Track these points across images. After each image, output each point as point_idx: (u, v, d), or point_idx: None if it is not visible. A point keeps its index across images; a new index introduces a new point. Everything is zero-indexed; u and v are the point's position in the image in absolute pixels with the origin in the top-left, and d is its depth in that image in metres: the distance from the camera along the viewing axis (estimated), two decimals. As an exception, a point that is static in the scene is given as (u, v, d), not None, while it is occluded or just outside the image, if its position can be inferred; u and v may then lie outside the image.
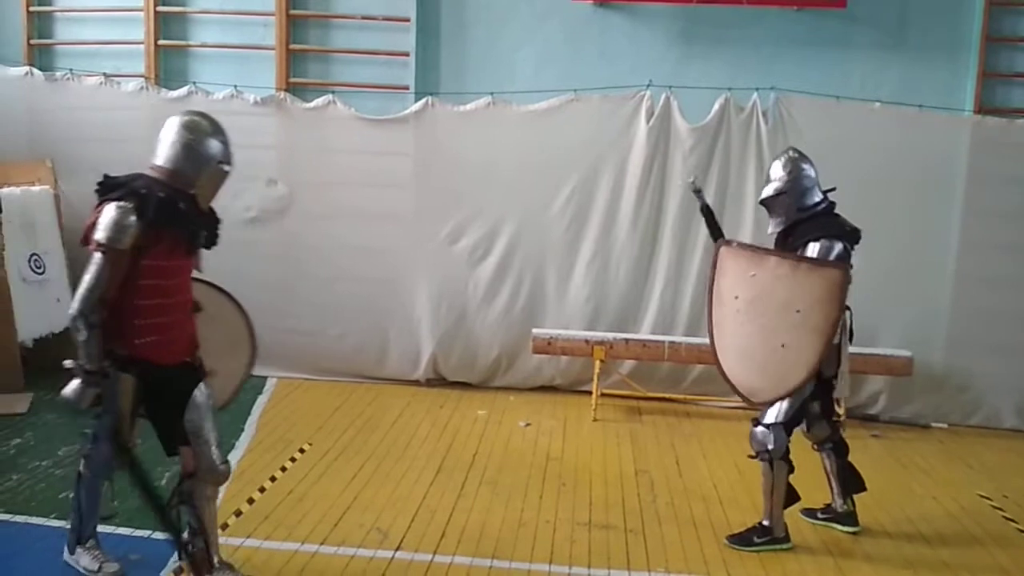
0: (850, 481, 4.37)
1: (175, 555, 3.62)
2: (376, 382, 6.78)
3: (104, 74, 6.74)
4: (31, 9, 7.01)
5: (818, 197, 4.22)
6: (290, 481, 4.79)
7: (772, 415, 4.07)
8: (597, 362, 6.27)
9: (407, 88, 6.77)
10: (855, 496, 4.39)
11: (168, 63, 7.08)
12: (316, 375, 6.79)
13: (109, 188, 3.27)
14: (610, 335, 6.35)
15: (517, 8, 6.73)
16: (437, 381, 6.84)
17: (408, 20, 6.75)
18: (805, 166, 4.24)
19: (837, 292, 3.75)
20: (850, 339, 4.19)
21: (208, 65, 7.05)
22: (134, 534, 3.97)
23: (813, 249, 3.98)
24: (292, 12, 6.87)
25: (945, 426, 6.41)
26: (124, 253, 3.16)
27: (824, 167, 6.13)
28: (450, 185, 6.60)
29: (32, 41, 7.03)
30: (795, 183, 4.18)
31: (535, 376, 6.77)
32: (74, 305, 3.14)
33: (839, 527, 4.39)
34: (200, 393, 3.45)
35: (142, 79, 6.83)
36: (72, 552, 3.61)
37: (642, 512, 4.57)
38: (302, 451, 5.26)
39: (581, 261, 6.57)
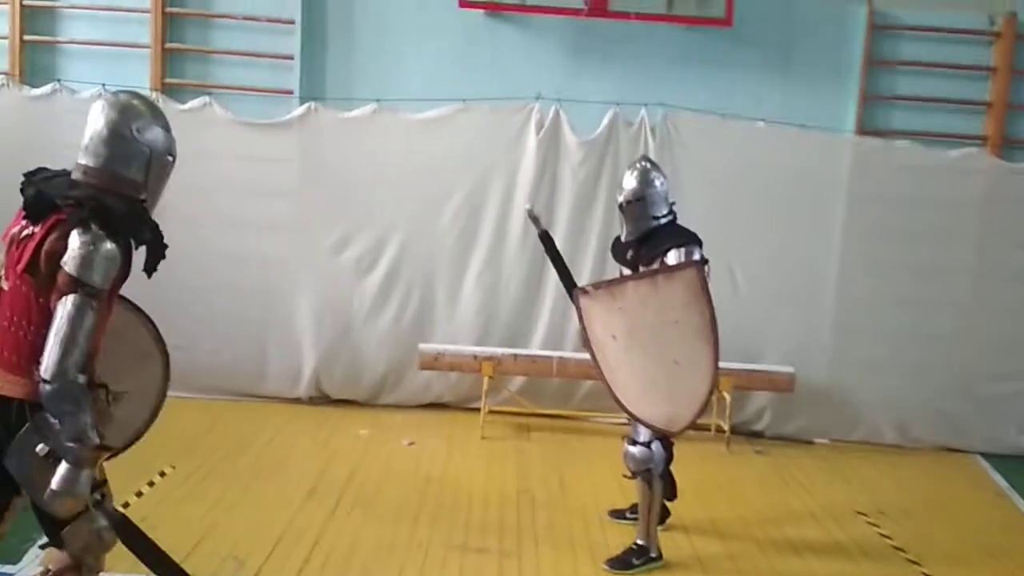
0: (667, 486, 4.30)
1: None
2: (255, 400, 6.45)
3: (-41, 70, 6.26)
4: None
5: (666, 208, 4.24)
6: (144, 507, 4.43)
7: (646, 433, 3.99)
8: (486, 378, 6.11)
9: (291, 92, 6.51)
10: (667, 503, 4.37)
11: (35, 59, 6.63)
12: (189, 393, 6.32)
13: (48, 202, 2.56)
14: (499, 350, 6.22)
15: (406, 14, 6.55)
16: (320, 399, 6.56)
17: (293, 22, 6.49)
18: (656, 176, 4.25)
19: (699, 289, 3.73)
20: None
21: (79, 63, 6.63)
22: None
23: (675, 256, 3.97)
24: (168, 9, 6.53)
25: (827, 441, 6.50)
26: (105, 293, 2.52)
27: (710, 184, 6.31)
28: (336, 193, 6.36)
29: None
30: (651, 191, 4.20)
31: (423, 393, 6.56)
32: (53, 369, 2.40)
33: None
34: None
35: (2, 75, 6.36)
36: None
37: (520, 534, 4.43)
38: (163, 475, 4.91)
39: (471, 274, 6.42)
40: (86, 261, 2.45)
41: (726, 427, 6.17)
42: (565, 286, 4.20)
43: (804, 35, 6.50)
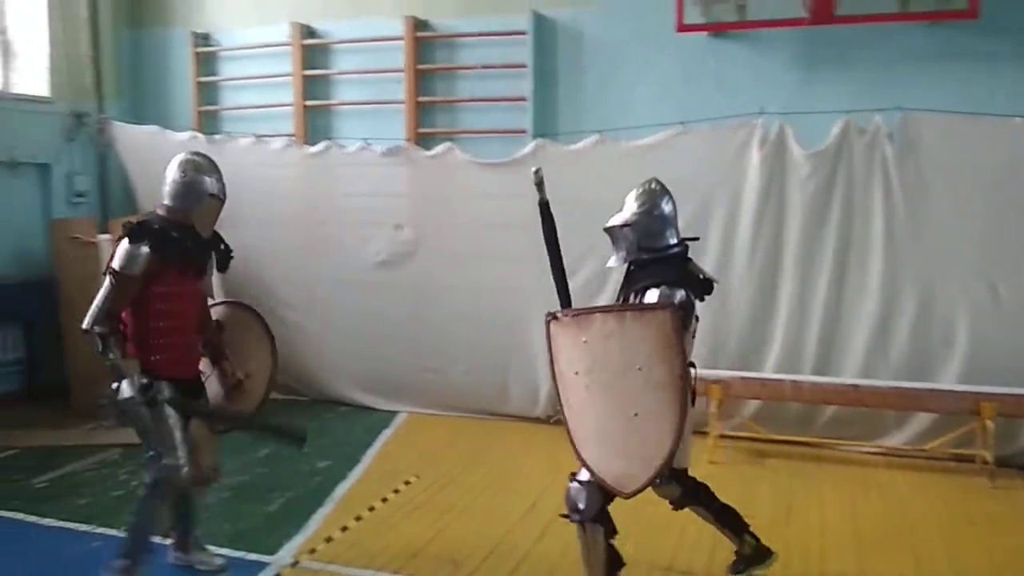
0: (734, 520, 3.92)
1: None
2: (498, 418, 6.92)
3: (255, 135, 7.45)
4: (199, 80, 7.94)
5: (671, 240, 3.73)
6: (387, 511, 5.00)
7: (587, 472, 3.47)
8: (715, 402, 6.04)
9: (524, 131, 6.95)
10: (750, 528, 3.98)
11: (314, 122, 7.73)
12: (442, 410, 7.04)
13: (128, 228, 3.80)
14: (726, 373, 6.10)
15: (631, 46, 6.76)
16: (557, 418, 6.83)
17: (525, 66, 6.96)
18: (663, 202, 3.74)
19: (673, 337, 3.18)
20: (692, 401, 3.39)
21: (348, 121, 7.64)
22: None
23: (652, 296, 3.48)
24: (419, 67, 7.31)
25: None
26: (132, 278, 3.65)
27: (961, 189, 5.79)
28: (563, 223, 6.50)
29: (200, 108, 7.95)
30: (644, 218, 3.72)
31: (656, 415, 6.61)
32: (85, 321, 3.65)
33: (758, 570, 3.92)
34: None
35: (288, 137, 7.49)
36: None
37: (729, 560, 4.31)
38: (407, 483, 5.46)
39: (696, 297, 6.38)
40: (117, 256, 3.68)
41: (990, 458, 5.53)
42: (556, 284, 3.72)
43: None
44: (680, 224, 6.27)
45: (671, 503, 3.87)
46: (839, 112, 6.00)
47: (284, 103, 7.69)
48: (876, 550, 4.47)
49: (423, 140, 7.28)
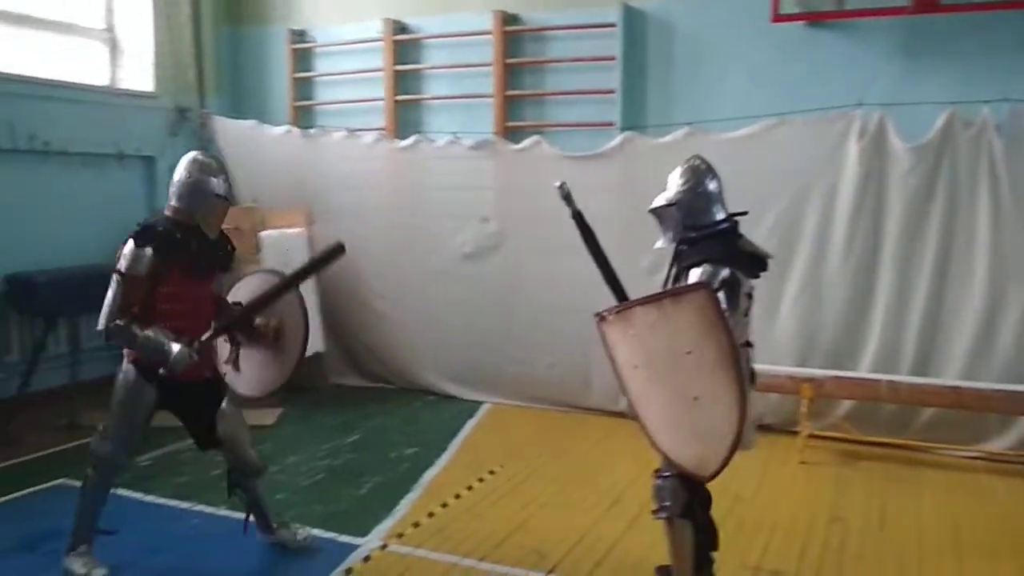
0: (707, 541, 3.70)
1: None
2: (581, 411, 6.91)
3: (347, 129, 7.61)
4: (295, 76, 8.16)
5: (718, 216, 3.61)
6: (472, 499, 5.06)
7: (666, 460, 3.42)
8: (806, 401, 5.89)
9: (612, 124, 6.91)
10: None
11: (404, 116, 7.83)
12: (526, 402, 7.07)
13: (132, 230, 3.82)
14: (819, 372, 5.94)
15: (723, 37, 6.62)
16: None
17: (614, 59, 6.91)
18: (707, 179, 3.65)
19: (713, 315, 3.09)
20: (752, 381, 3.46)
21: (437, 115, 7.70)
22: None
23: (695, 275, 3.40)
24: (508, 61, 7.33)
25: None
26: (137, 279, 3.66)
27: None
28: (649, 216, 6.59)
29: (296, 103, 8.17)
30: (689, 196, 3.64)
31: (743, 413, 6.50)
32: (99, 322, 3.70)
33: None
34: (227, 406, 3.99)
35: (379, 131, 7.63)
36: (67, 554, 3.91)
37: (821, 561, 4.25)
38: (492, 473, 5.51)
39: (788, 293, 6.22)
40: (122, 257, 3.71)
41: None
42: (608, 284, 3.69)
43: None
44: (771, 219, 6.27)
45: (656, 508, 3.70)
46: (943, 103, 5.77)
47: (376, 98, 7.81)
48: (977, 560, 4.29)
49: (511, 134, 7.30)
